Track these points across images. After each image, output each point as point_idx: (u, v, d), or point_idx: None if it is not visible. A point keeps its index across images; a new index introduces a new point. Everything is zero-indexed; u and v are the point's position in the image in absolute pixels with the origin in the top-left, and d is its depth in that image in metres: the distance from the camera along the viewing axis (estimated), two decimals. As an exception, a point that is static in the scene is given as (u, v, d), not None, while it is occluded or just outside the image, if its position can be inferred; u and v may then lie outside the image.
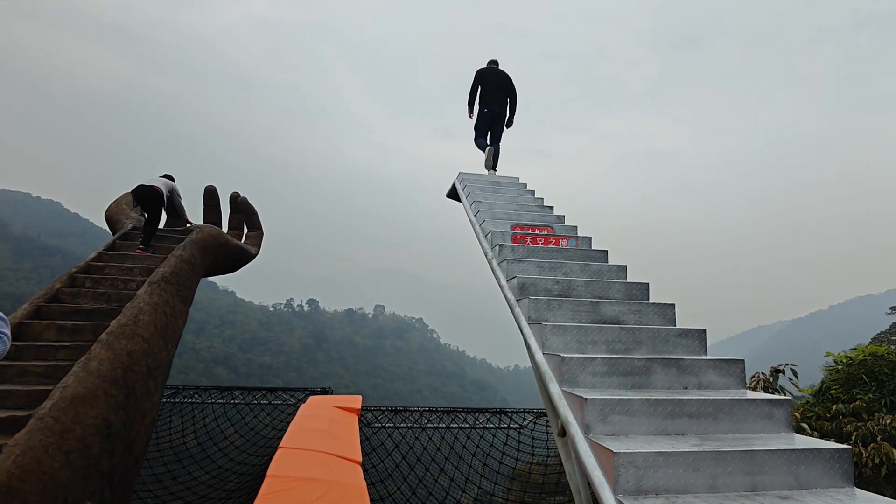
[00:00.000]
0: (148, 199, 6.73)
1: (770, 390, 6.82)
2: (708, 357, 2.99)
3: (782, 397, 2.60)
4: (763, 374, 6.98)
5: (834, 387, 7.01)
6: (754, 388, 6.78)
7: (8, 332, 2.91)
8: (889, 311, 30.32)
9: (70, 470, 3.68)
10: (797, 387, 7.46)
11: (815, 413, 6.90)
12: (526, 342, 3.18)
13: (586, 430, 2.39)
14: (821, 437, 6.40)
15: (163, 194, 6.84)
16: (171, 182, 7.30)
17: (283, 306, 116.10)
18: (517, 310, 3.52)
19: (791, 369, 6.90)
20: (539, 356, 2.97)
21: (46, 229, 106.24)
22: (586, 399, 2.42)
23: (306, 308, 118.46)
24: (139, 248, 6.50)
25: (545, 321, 3.24)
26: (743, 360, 2.93)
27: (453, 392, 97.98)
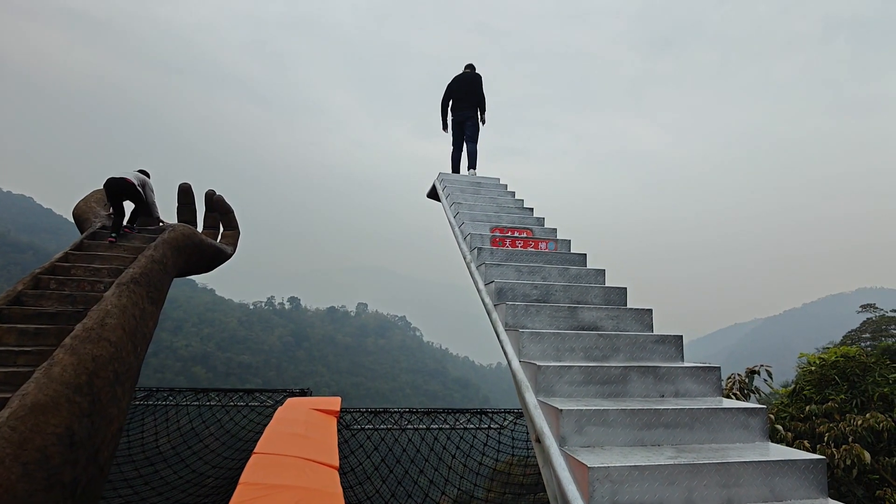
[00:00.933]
0: (119, 191, 6.73)
1: (745, 391, 6.92)
2: (685, 364, 2.97)
3: (757, 406, 2.59)
4: (739, 375, 7.07)
5: (807, 388, 7.13)
6: (730, 390, 6.87)
7: None
8: (860, 309, 31.16)
9: (28, 482, 3.52)
10: (771, 387, 7.56)
11: (789, 413, 7.01)
12: (503, 349, 3.12)
13: (562, 441, 2.34)
14: (794, 438, 6.50)
15: (135, 185, 6.85)
16: (144, 176, 7.21)
17: (263, 304, 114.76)
18: (494, 315, 3.45)
19: (766, 370, 6.99)
20: (515, 364, 2.91)
21: (17, 225, 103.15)
22: (562, 410, 2.37)
23: (287, 306, 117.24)
24: (110, 238, 6.54)
25: (522, 327, 3.19)
26: (719, 368, 2.91)
27: (435, 390, 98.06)
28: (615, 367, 2.79)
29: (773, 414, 6.82)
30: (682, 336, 3.17)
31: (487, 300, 3.64)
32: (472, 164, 7.61)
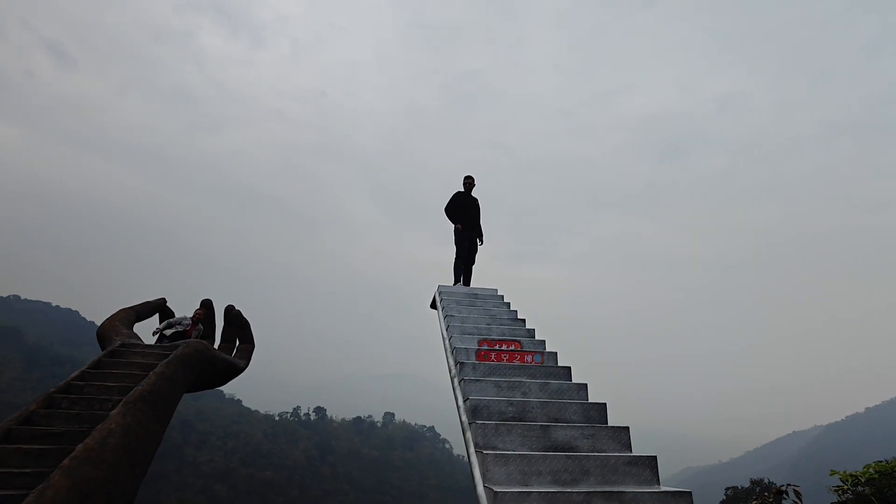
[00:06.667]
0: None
1: (773, 515, 6.24)
2: (655, 489, 2.84)
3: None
4: (766, 495, 6.42)
5: (846, 512, 6.40)
6: (757, 513, 6.23)
7: None
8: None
9: None
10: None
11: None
12: (471, 472, 3.06)
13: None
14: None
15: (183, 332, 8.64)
16: (185, 317, 9.06)
17: (289, 415, 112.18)
18: (468, 434, 3.42)
19: (794, 490, 6.32)
20: (479, 489, 2.84)
21: (61, 338, 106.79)
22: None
23: (313, 417, 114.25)
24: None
25: (492, 448, 3.16)
26: (690, 493, 2.78)
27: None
28: (577, 492, 2.70)
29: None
30: (656, 457, 3.07)
31: (464, 418, 3.62)
32: (466, 284, 7.86)
